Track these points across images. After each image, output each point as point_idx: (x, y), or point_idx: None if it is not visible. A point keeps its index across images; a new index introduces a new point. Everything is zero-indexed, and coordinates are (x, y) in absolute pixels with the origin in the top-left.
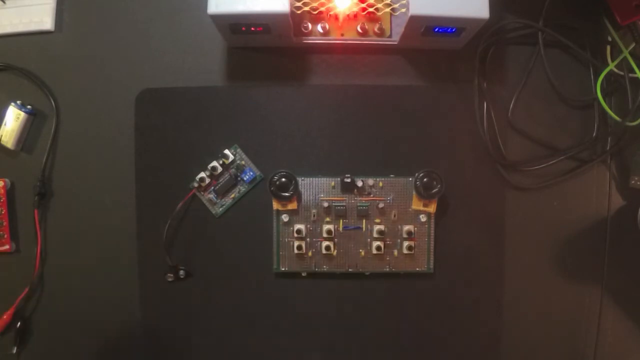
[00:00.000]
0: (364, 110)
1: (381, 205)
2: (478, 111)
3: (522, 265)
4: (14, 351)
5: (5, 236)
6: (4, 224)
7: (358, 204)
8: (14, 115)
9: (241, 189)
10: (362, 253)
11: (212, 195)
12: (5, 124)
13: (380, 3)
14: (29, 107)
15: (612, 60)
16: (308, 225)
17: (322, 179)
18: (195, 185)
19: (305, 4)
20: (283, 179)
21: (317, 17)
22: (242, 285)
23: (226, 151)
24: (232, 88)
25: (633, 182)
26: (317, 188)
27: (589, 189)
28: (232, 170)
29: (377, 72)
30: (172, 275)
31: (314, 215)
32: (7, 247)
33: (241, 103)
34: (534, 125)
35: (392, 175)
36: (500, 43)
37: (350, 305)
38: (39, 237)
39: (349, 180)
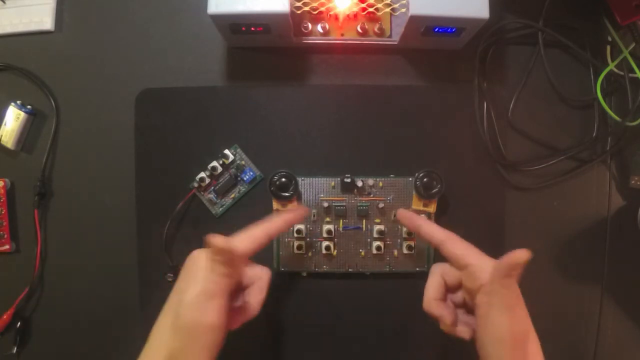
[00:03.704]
0: (364, 110)
1: (381, 205)
2: (478, 111)
3: None
4: (14, 351)
5: (5, 236)
6: (4, 224)
7: (358, 204)
8: (14, 115)
9: (241, 189)
10: (362, 253)
11: (212, 195)
12: (5, 124)
13: (380, 3)
14: (29, 107)
15: (612, 60)
16: (308, 225)
17: (322, 179)
18: (195, 185)
19: (305, 4)
20: (283, 179)
21: (317, 17)
22: None
23: (226, 151)
24: (232, 88)
25: (633, 182)
26: (317, 188)
27: (589, 189)
28: (232, 170)
29: (377, 72)
30: (172, 275)
31: (314, 215)
32: (7, 247)
33: (241, 103)
34: (534, 125)
35: (392, 175)
36: (500, 43)
37: (350, 305)
38: (39, 237)
39: (349, 180)
